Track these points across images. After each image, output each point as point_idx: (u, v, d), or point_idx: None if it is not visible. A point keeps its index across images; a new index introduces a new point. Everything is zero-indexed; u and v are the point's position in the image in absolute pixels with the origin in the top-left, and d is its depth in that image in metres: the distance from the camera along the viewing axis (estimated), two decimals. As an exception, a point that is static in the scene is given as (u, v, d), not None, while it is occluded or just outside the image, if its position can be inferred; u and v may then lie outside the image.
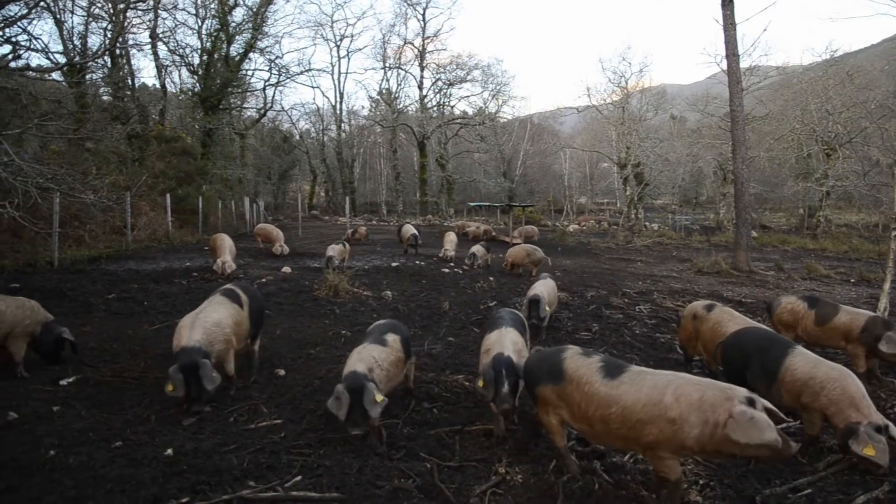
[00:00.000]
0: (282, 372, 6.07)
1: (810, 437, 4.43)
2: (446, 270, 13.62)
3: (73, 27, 21.07)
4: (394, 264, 14.57)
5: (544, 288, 7.93)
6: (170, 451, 4.13)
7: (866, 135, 26.96)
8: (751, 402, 3.20)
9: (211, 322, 5.02)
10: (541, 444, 4.44)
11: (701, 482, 3.91)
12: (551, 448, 4.26)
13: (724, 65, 17.60)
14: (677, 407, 3.28)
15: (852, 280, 14.59)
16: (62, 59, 19.12)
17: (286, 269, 12.92)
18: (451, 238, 16.38)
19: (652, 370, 3.66)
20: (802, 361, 4.43)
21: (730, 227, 27.94)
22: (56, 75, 18.97)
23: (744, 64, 25.46)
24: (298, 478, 3.83)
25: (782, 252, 22.82)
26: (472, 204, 40.32)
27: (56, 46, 20.52)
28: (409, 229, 17.74)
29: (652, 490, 3.72)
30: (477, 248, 14.35)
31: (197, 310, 5.24)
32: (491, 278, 12.58)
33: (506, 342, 4.68)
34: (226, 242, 12.08)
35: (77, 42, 21.25)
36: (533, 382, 4.06)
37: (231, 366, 5.30)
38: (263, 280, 11.45)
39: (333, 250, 13.19)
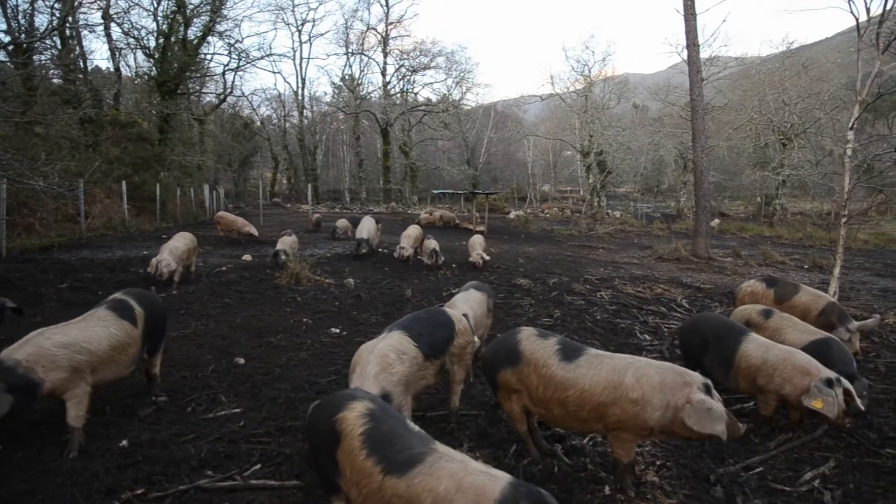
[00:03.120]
0: (241, 360, 5.98)
1: (764, 417, 4.56)
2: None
3: (17, 4, 20.01)
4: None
5: (466, 304, 5.79)
6: (125, 442, 4.06)
7: (820, 125, 27.78)
8: (707, 390, 3.31)
9: (53, 342, 3.83)
10: (502, 429, 4.47)
11: (658, 462, 4.00)
12: (512, 432, 4.29)
13: (685, 55, 17.88)
14: (639, 388, 3.37)
15: (806, 266, 15.06)
16: (6, 38, 18.35)
17: (246, 256, 12.71)
18: (410, 233, 13.15)
19: (609, 353, 3.72)
20: (755, 347, 4.61)
21: (690, 214, 28.54)
22: (0, 55, 18.18)
23: (704, 54, 25.93)
24: (258, 466, 3.80)
25: (740, 239, 23.42)
26: (435, 191, 40.13)
27: (-1, 25, 19.52)
28: (363, 227, 14.18)
29: (610, 472, 3.78)
30: (434, 243, 12.52)
31: (59, 324, 4.13)
32: (454, 265, 12.58)
33: (368, 366, 3.63)
34: (170, 241, 9.93)
35: (22, 20, 20.27)
36: (492, 370, 4.04)
37: (77, 408, 3.90)
38: (223, 268, 11.26)
39: (284, 243, 12.04)
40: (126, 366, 4.39)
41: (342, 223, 18.44)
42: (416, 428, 2.70)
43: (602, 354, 3.68)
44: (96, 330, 4.13)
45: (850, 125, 9.45)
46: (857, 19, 9.54)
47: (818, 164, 26.30)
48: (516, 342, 3.93)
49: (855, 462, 4.15)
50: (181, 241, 9.94)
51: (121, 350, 4.26)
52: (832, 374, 4.17)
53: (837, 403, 4.01)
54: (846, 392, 4.10)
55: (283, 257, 11.15)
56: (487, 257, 12.44)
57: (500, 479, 2.25)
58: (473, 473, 2.29)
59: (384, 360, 3.67)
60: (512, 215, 31.78)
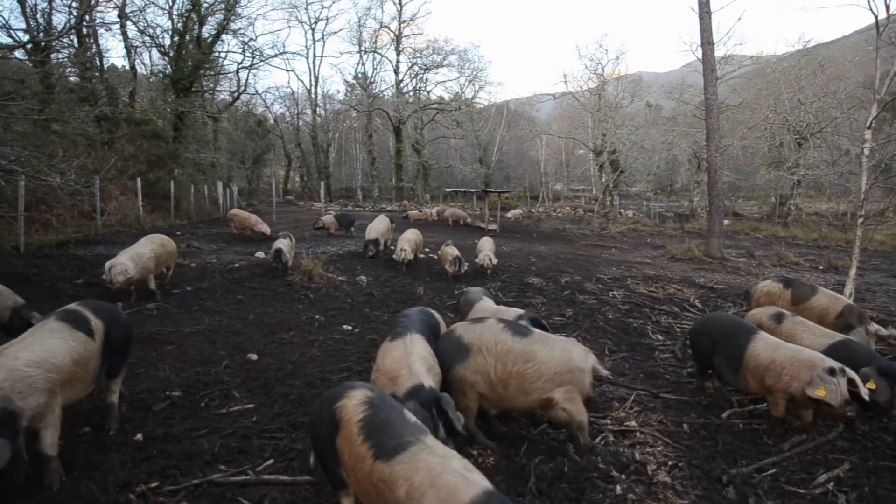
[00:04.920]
0: (254, 357, 6.02)
1: (776, 418, 4.52)
2: (422, 256, 13.57)
3: (35, 4, 20.27)
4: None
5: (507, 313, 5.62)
6: (139, 436, 4.10)
7: (836, 125, 27.46)
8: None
9: (24, 361, 3.28)
10: (513, 427, 4.47)
11: (670, 463, 3.98)
12: (522, 429, 4.30)
13: (700, 53, 17.73)
14: (584, 361, 3.96)
15: (821, 267, 14.90)
16: (25, 37, 18.54)
17: (259, 254, 12.76)
18: (409, 236, 12.38)
19: (546, 334, 4.17)
20: (764, 347, 4.60)
21: (703, 214, 28.35)
22: (19, 54, 18.37)
23: (719, 53, 25.71)
24: (270, 462, 3.83)
25: (754, 239, 23.20)
26: (448, 190, 40.18)
27: (18, 24, 19.77)
28: (374, 227, 13.71)
29: (621, 471, 3.78)
30: (456, 250, 11.16)
31: (12, 341, 3.56)
32: (466, 263, 12.55)
33: (416, 365, 3.68)
34: (135, 245, 8.31)
35: (41, 19, 20.55)
36: (445, 370, 4.05)
37: (53, 435, 3.41)
38: (236, 265, 11.31)
39: (283, 244, 10.77)
40: (87, 384, 3.84)
41: (327, 219, 18.46)
42: (413, 418, 2.74)
43: (544, 333, 4.17)
44: (55, 342, 3.58)
45: (867, 124, 9.34)
46: (876, 17, 9.43)
47: (834, 164, 25.97)
48: (458, 337, 4.11)
49: (870, 465, 4.10)
50: (147, 247, 8.25)
51: (82, 365, 3.71)
52: (836, 364, 4.15)
53: (840, 392, 4.00)
54: (850, 382, 4.08)
55: (287, 257, 10.47)
56: (496, 260, 11.69)
57: (475, 486, 2.20)
58: (450, 473, 2.26)
59: (427, 361, 3.81)
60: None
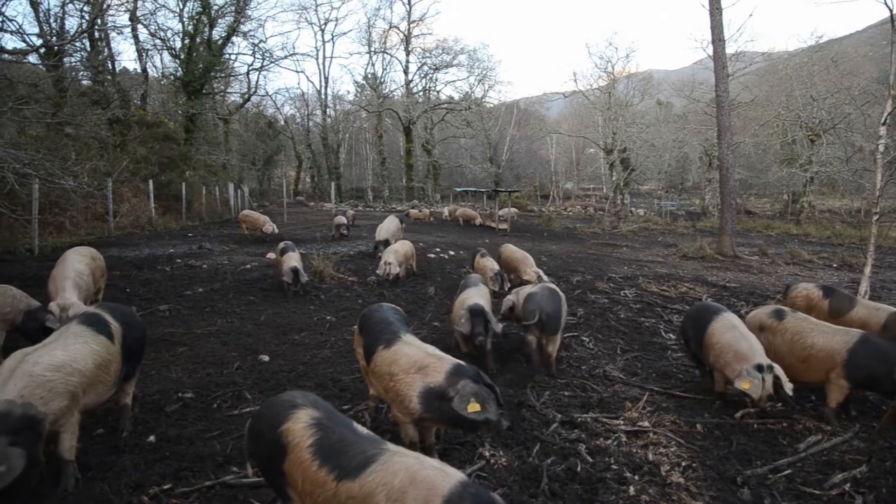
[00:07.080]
0: (266, 358, 6.04)
1: (718, 393, 4.93)
2: (432, 256, 13.58)
3: (48, 8, 20.53)
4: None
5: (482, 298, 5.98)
6: (152, 438, 4.12)
7: (850, 121, 27.16)
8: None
9: (44, 366, 3.28)
10: (526, 428, 4.45)
11: (683, 464, 3.94)
12: (531, 430, 4.30)
13: (710, 50, 17.58)
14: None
15: (834, 265, 14.75)
16: (38, 42, 18.72)
17: (271, 255, 12.80)
18: (399, 248, 10.82)
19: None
20: (721, 327, 4.83)
21: (715, 212, 28.16)
22: (32, 58, 18.53)
23: (730, 49, 25.58)
24: (282, 463, 3.81)
25: (766, 237, 23.04)
26: (458, 189, 40.21)
27: (31, 28, 20.00)
28: (384, 227, 13.63)
29: (634, 472, 3.75)
30: (494, 263, 9.65)
31: (36, 346, 3.57)
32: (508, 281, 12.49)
33: (438, 352, 3.77)
34: (70, 267, 6.47)
35: (53, 24, 20.77)
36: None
37: (71, 439, 3.42)
38: (248, 266, 11.36)
39: (294, 260, 9.31)
40: (109, 387, 3.85)
41: (339, 220, 17.94)
42: (365, 431, 2.67)
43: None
44: (78, 347, 3.60)
45: (882, 120, 9.23)
46: (891, 10, 9.30)
47: (848, 161, 25.70)
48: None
49: (888, 466, 4.04)
50: (82, 262, 6.73)
51: (105, 368, 3.74)
52: (764, 361, 4.39)
53: (764, 387, 4.30)
54: (777, 378, 4.36)
55: (305, 277, 9.23)
56: (546, 278, 9.32)
57: (451, 477, 2.23)
58: (427, 468, 2.28)
59: (438, 350, 3.84)
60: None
